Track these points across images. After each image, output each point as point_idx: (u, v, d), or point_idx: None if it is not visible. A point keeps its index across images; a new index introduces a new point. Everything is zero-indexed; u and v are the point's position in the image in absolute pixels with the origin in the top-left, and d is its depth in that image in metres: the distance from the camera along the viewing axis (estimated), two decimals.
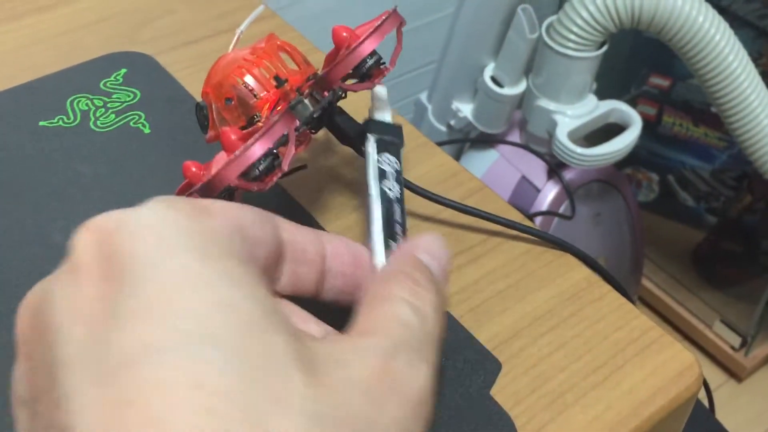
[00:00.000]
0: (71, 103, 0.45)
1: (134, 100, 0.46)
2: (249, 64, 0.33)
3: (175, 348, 0.17)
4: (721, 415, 1.03)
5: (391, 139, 0.36)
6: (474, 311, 0.35)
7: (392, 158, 0.35)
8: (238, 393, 0.17)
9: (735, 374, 1.27)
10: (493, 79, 0.98)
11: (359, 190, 0.41)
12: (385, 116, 0.37)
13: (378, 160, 0.34)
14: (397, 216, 0.33)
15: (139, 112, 0.45)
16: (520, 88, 0.97)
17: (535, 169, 1.01)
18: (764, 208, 1.26)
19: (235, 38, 0.36)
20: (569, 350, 0.34)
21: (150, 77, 0.47)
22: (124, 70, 0.47)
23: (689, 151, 1.30)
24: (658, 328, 0.35)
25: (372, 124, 0.36)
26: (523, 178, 1.02)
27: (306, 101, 0.34)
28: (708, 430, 0.73)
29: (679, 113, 1.28)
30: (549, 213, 0.96)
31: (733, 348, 1.26)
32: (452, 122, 1.06)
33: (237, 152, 0.30)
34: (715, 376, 1.27)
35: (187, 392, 0.17)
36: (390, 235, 0.32)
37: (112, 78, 0.47)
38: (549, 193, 0.99)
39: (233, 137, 0.31)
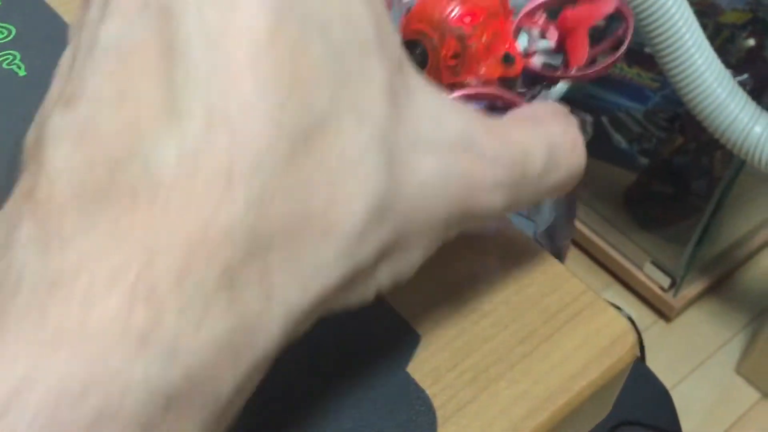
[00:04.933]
0: None
1: (8, 38, 0.40)
2: None
3: None
4: (650, 355, 1.04)
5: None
6: None
7: None
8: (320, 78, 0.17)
9: (664, 314, 1.28)
10: None
11: None
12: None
13: None
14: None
15: (13, 52, 0.39)
16: None
17: None
18: (695, 149, 1.25)
19: None
20: (495, 319, 0.31)
21: (27, 11, 0.42)
22: None
23: (623, 92, 1.29)
24: (590, 291, 0.32)
25: None
26: None
27: None
28: (637, 376, 0.72)
29: None
30: None
31: (662, 289, 1.27)
32: None
33: None
34: (644, 316, 1.28)
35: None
36: None
37: None
38: None
39: None
